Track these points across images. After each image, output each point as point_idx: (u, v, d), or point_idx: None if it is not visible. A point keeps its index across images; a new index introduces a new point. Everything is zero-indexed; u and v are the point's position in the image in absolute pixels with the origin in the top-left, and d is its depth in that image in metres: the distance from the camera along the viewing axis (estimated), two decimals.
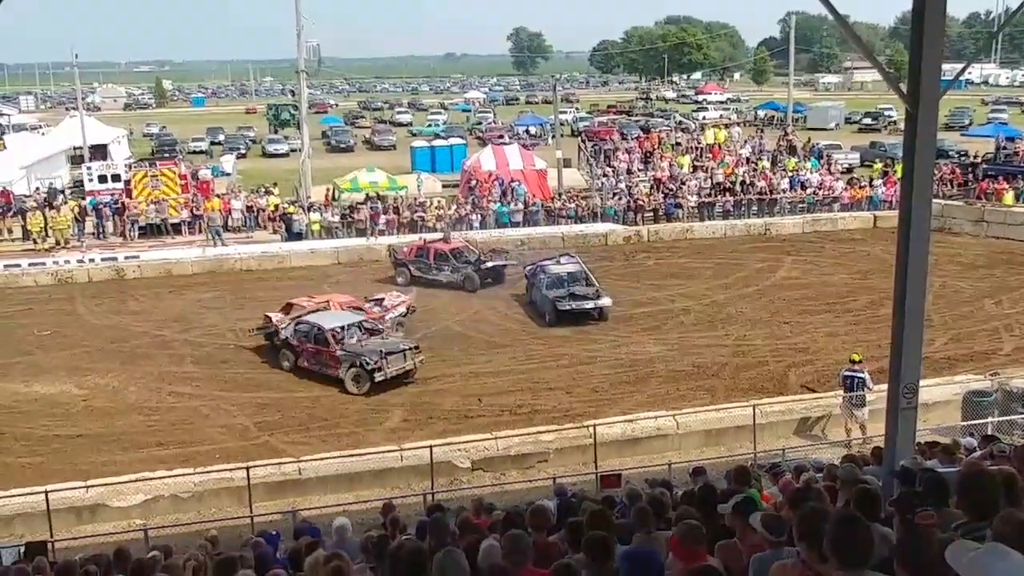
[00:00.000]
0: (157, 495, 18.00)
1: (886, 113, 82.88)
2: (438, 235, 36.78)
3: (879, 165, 51.09)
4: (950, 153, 54.28)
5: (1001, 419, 19.21)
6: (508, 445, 19.67)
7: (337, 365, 24.20)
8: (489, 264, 33.93)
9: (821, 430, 20.98)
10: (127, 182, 43.31)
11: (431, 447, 18.56)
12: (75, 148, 61.45)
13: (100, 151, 60.06)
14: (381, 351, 23.87)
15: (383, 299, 28.72)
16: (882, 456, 11.36)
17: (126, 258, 37.80)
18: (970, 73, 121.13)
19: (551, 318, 28.92)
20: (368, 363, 23.52)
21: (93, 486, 18.00)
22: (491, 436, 20.02)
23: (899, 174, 13.41)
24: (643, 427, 20.33)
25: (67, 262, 37.28)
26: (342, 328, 25.07)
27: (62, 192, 48.03)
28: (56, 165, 58.48)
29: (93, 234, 41.59)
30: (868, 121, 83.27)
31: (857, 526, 4.51)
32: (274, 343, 26.15)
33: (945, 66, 10.40)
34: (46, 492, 16.82)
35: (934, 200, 12.87)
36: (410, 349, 24.59)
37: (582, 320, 28.96)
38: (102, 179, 44.97)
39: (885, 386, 11.98)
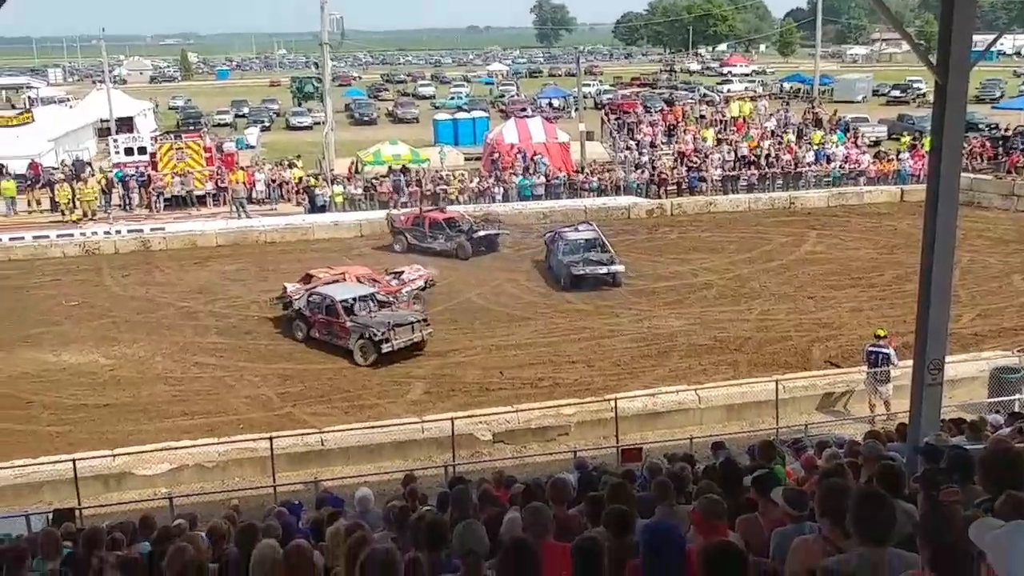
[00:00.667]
0: (182, 464, 18.17)
1: (915, 85, 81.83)
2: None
3: (907, 138, 50.59)
4: (980, 126, 53.52)
5: None
6: (529, 418, 19.69)
7: (346, 336, 24.36)
8: (481, 233, 35.05)
9: (844, 406, 20.87)
10: (153, 154, 43.48)
11: (452, 419, 18.63)
12: (102, 121, 61.74)
13: (126, 124, 60.34)
14: (389, 323, 24.03)
15: (403, 272, 28.78)
16: (906, 433, 11.31)
17: (152, 230, 38.04)
18: (1001, 44, 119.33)
19: (566, 282, 29.91)
20: (375, 334, 23.66)
21: (120, 455, 18.21)
22: (512, 409, 20.03)
23: (927, 147, 13.26)
24: (664, 401, 20.28)
25: (94, 233, 37.62)
26: (353, 300, 25.22)
27: (89, 164, 48.30)
28: (83, 137, 58.88)
29: (119, 206, 41.84)
30: (896, 93, 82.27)
31: (880, 502, 4.49)
32: (289, 314, 26.31)
33: (976, 37, 10.27)
34: (74, 460, 17.02)
35: (963, 174, 12.74)
36: (418, 321, 24.72)
37: (596, 285, 29.82)
38: (128, 151, 45.14)
39: (910, 362, 11.90)
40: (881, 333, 20.73)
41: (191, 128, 58.63)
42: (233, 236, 37.93)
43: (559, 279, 30.42)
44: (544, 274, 31.81)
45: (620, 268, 30.34)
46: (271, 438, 17.88)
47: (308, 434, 19.02)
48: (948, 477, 6.28)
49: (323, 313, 25.07)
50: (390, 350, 23.69)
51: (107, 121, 59.68)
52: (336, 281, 26.89)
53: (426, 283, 28.64)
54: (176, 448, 18.40)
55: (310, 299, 25.53)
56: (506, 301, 29.28)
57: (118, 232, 37.67)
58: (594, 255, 30.56)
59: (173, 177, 42.15)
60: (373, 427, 19.30)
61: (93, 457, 17.89)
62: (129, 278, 32.97)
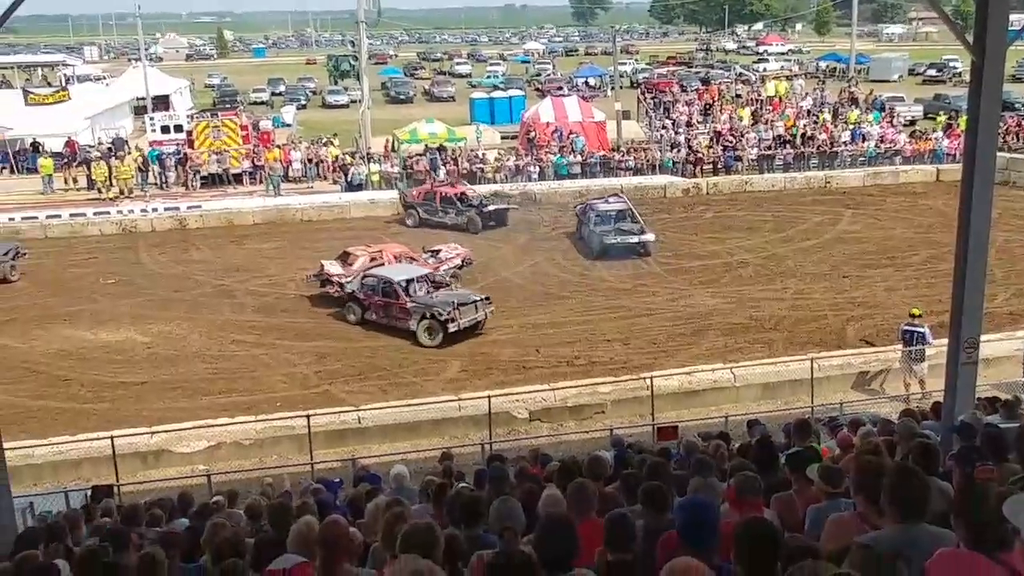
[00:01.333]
0: (219, 442, 18.39)
1: (951, 64, 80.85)
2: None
3: (943, 117, 50.01)
4: (1016, 105, 52.81)
5: None
6: (565, 396, 19.79)
7: (407, 317, 24.28)
8: (491, 207, 35.92)
9: (880, 384, 20.78)
10: (189, 133, 43.78)
11: (489, 397, 18.69)
12: (138, 99, 62.23)
13: (162, 102, 60.78)
14: (453, 302, 24.03)
15: (439, 251, 28.92)
16: (941, 411, 11.31)
17: (188, 208, 38.31)
18: None
19: (598, 251, 30.91)
20: (441, 314, 23.65)
21: (157, 432, 18.44)
22: (548, 387, 20.14)
23: (963, 127, 13.18)
24: (700, 379, 20.30)
25: (131, 212, 37.91)
26: (410, 281, 25.19)
27: (126, 142, 48.75)
28: (120, 116, 59.33)
29: (156, 184, 42.21)
30: (932, 72, 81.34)
31: (915, 479, 4.53)
32: (335, 294, 26.43)
33: (1013, 16, 10.23)
34: (112, 437, 17.25)
35: (999, 153, 12.66)
36: (481, 300, 24.78)
37: (627, 255, 30.79)
38: (164, 130, 45.55)
39: (945, 341, 11.87)
40: (916, 312, 20.64)
41: (227, 106, 58.90)
42: (270, 214, 38.20)
43: (591, 249, 31.34)
44: (580, 251, 32.06)
45: (650, 237, 31.17)
46: (308, 416, 18.07)
47: (345, 412, 19.21)
48: (983, 455, 6.31)
49: (380, 295, 24.99)
50: (456, 329, 23.74)
51: (143, 99, 60.15)
52: (375, 258, 27.05)
53: (463, 262, 28.75)
54: (214, 425, 18.64)
55: (364, 281, 25.47)
56: (542, 279, 29.34)
57: (154, 210, 38.02)
58: (625, 225, 31.52)
59: (209, 155, 42.42)
60: (410, 405, 19.41)
61: (131, 434, 18.08)
62: (166, 256, 33.30)
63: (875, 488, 4.83)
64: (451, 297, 24.57)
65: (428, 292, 25.04)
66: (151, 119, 47.69)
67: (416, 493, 10.03)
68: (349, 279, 26.14)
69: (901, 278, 28.22)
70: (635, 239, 30.96)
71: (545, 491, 6.83)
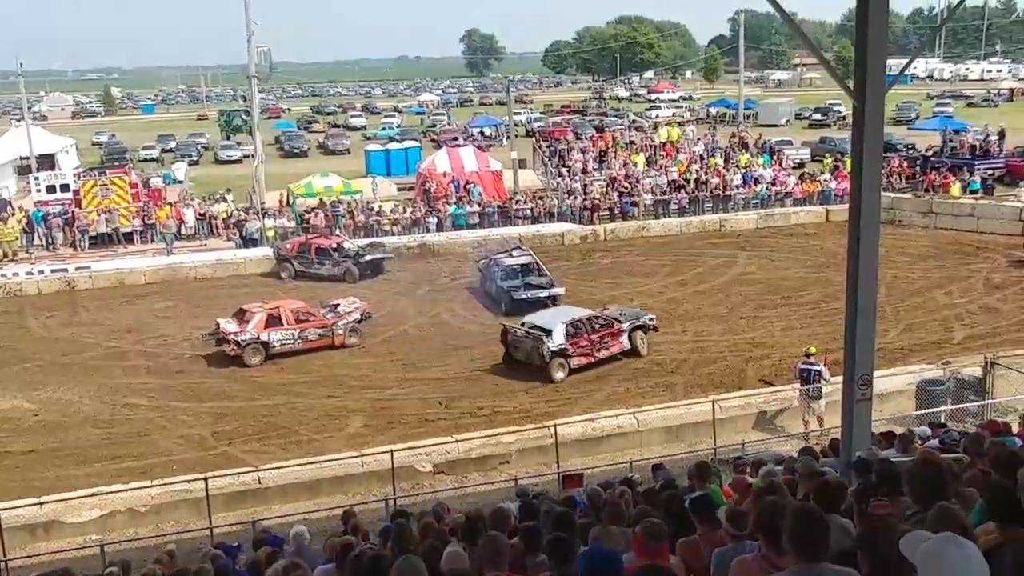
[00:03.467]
0: (113, 510, 17.73)
1: (835, 108, 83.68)
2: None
3: (829, 160, 51.63)
4: (898, 147, 54.85)
5: (954, 407, 19.48)
6: (469, 447, 19.64)
7: (619, 337, 25.49)
8: (368, 257, 36.06)
9: (780, 423, 21.15)
10: (76, 192, 42.61)
11: (392, 452, 18.41)
12: (22, 158, 60.51)
13: (48, 161, 59.16)
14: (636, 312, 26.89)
15: (338, 304, 28.64)
16: (839, 447, 11.48)
17: (77, 269, 37.14)
18: (915, 68, 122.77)
19: (506, 307, 29.97)
20: (648, 322, 26.35)
21: (47, 502, 17.60)
22: (452, 439, 19.98)
23: (849, 168, 13.59)
24: (604, 426, 20.38)
25: (15, 275, 36.60)
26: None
27: (9, 203, 47.27)
28: (3, 175, 57.53)
29: (41, 245, 40.94)
30: (818, 117, 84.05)
31: (813, 518, 4.53)
32: (231, 352, 25.98)
33: (890, 61, 10.54)
34: None
35: (884, 193, 13.02)
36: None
37: (537, 309, 28.67)
38: (50, 189, 44.29)
39: (841, 378, 12.09)
40: (812, 351, 21.09)
41: (116, 164, 57.67)
42: (162, 273, 37.29)
43: (499, 304, 30.64)
44: (481, 302, 31.90)
45: (560, 291, 30.76)
46: (206, 478, 17.55)
47: (244, 473, 18.72)
48: (878, 490, 6.38)
49: (593, 332, 25.21)
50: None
51: (27, 158, 58.56)
52: (273, 314, 26.75)
53: (362, 315, 28.47)
54: (107, 493, 18.00)
55: (569, 331, 24.49)
56: (443, 331, 29.23)
57: (41, 272, 36.77)
58: (533, 280, 31.01)
59: (98, 214, 41.35)
60: (311, 463, 19.02)
61: (18, 506, 17.33)
62: (53, 319, 32.20)
63: (775, 528, 4.83)
64: (621, 309, 27.22)
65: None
66: (36, 179, 46.36)
67: (318, 554, 9.77)
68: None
69: (796, 317, 28.87)
70: (545, 293, 30.38)
71: (447, 548, 6.69)
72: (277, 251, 37.26)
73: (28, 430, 22.57)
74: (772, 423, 21.18)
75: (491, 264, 32.40)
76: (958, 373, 21.04)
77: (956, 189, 42.82)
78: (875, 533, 4.61)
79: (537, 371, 24.60)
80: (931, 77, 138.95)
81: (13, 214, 42.62)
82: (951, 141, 49.18)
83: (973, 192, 42.64)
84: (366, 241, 38.80)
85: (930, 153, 49.28)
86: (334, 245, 36.45)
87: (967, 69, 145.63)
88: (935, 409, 19.23)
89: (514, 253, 33.00)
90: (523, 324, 25.50)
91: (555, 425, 19.70)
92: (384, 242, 38.93)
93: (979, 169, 45.06)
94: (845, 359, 10.90)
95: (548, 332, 24.28)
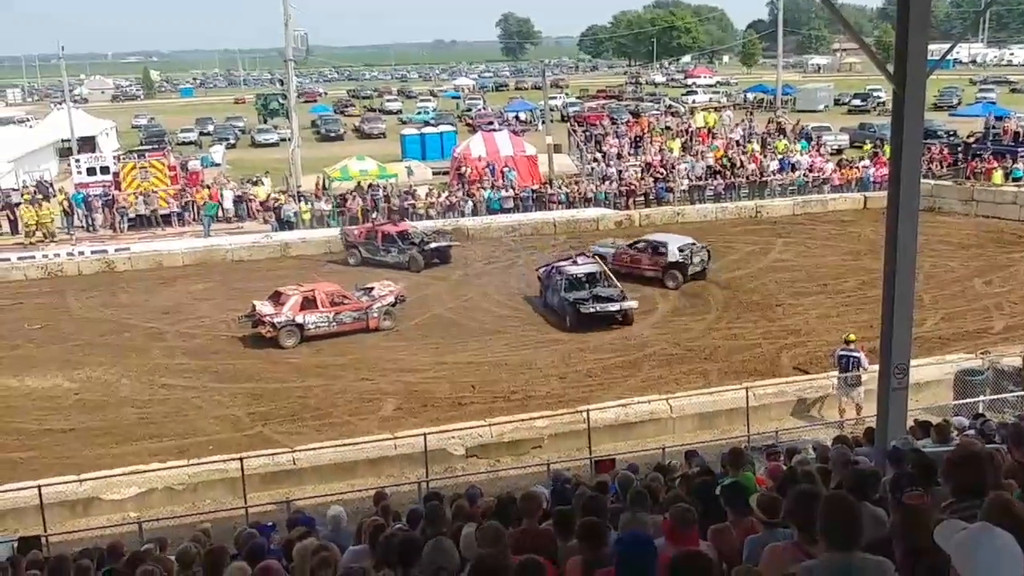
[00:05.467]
0: (151, 487, 17.96)
1: (875, 94, 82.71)
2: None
3: (868, 146, 51.11)
4: (939, 133, 54.13)
5: (993, 397, 19.28)
6: (502, 431, 19.67)
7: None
8: (433, 245, 35.30)
9: (817, 411, 21.01)
10: (116, 174, 43.08)
11: (425, 435, 18.54)
12: (63, 141, 61.23)
13: (88, 143, 59.88)
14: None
15: (372, 288, 28.73)
16: (874, 436, 11.41)
17: (116, 250, 37.59)
18: (958, 52, 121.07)
19: (572, 321, 27.29)
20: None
21: (86, 480, 17.92)
22: (485, 423, 20.01)
23: (888, 155, 13.45)
24: (637, 411, 20.34)
25: (56, 256, 37.08)
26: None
27: (51, 185, 47.86)
28: (44, 158, 58.31)
29: (82, 227, 41.45)
30: (857, 102, 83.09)
31: (847, 507, 4.52)
32: (268, 335, 26.30)
33: (932, 46, 10.41)
34: (39, 487, 16.81)
35: (923, 180, 12.90)
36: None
37: (608, 324, 27.35)
38: (91, 171, 44.75)
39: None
40: (851, 338, 20.90)
41: (155, 147, 58.20)
42: (200, 255, 37.64)
43: (563, 318, 27.71)
44: (541, 314, 29.07)
45: (633, 304, 27.72)
46: (241, 459, 17.74)
47: (279, 454, 18.90)
48: (913, 481, 6.33)
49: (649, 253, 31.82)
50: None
51: (68, 141, 59.22)
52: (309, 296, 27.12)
53: (396, 299, 28.56)
54: (145, 471, 18.23)
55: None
56: (477, 315, 29.25)
57: (81, 253, 37.25)
58: (603, 291, 28.01)
59: (137, 197, 41.80)
60: (345, 444, 19.19)
61: (59, 483, 17.62)
62: (93, 300, 32.60)
63: (809, 517, 4.82)
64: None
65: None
66: (77, 161, 46.83)
67: (351, 535, 9.85)
68: (281, 319, 26.15)
69: (832, 305, 28.62)
70: (616, 306, 27.41)
71: (464, 529, 6.74)
72: (345, 237, 36.96)
73: (68, 408, 22.87)
74: (811, 411, 21.03)
75: (552, 272, 29.39)
76: (997, 363, 20.78)
77: (998, 176, 42.18)
78: (909, 522, 4.59)
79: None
80: (974, 62, 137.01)
81: (55, 196, 43.17)
82: (994, 127, 48.43)
83: (1016, 179, 41.96)
84: (430, 227, 38.46)
85: (971, 140, 48.56)
86: (400, 232, 35.95)
87: (1011, 54, 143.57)
88: (973, 399, 19.04)
89: (578, 260, 29.97)
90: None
91: (588, 410, 19.68)
92: (448, 228, 38.63)
93: (1022, 156, 44.34)
94: (881, 347, 10.83)
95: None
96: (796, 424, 20.16)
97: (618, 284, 28.73)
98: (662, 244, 31.97)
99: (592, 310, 27.06)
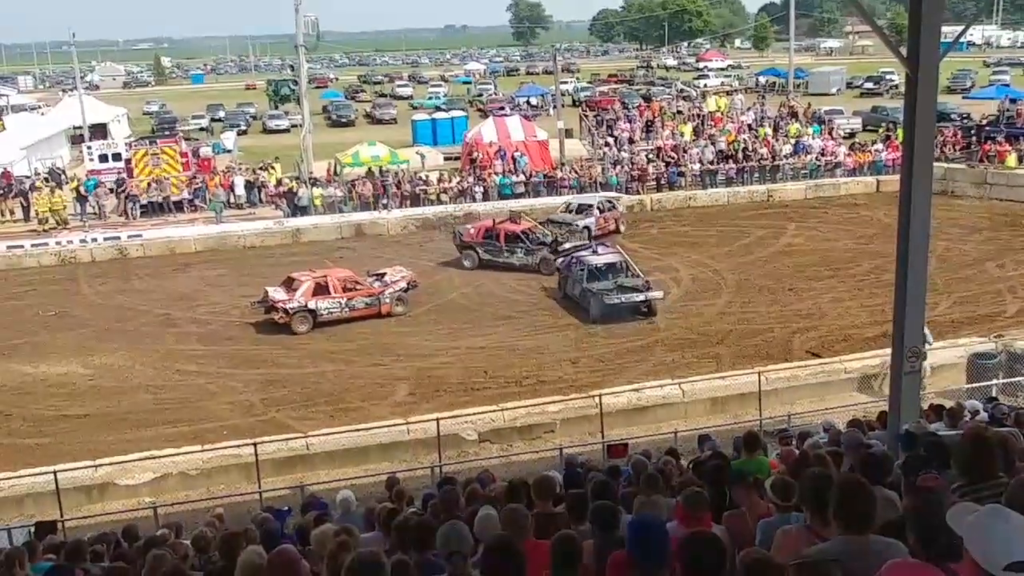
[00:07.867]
0: (166, 473, 18.11)
1: (888, 77, 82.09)
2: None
3: (881, 129, 50.83)
4: (952, 116, 53.67)
5: (1006, 381, 19.24)
6: (514, 416, 19.75)
7: None
8: (567, 245, 31.92)
9: (877, 386, 20.55)
10: (128, 161, 43.16)
11: (438, 420, 18.64)
12: (75, 127, 61.35)
13: (100, 130, 59.99)
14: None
15: (384, 274, 28.75)
16: (887, 420, 11.40)
17: (129, 237, 37.65)
18: (971, 35, 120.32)
19: (596, 312, 26.46)
20: None
21: (102, 465, 18.06)
22: (497, 408, 20.06)
23: (901, 138, 13.41)
24: (649, 396, 20.39)
25: (70, 242, 37.19)
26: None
27: (62, 172, 47.97)
28: (56, 145, 58.44)
29: (95, 214, 41.55)
30: (870, 85, 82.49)
31: (859, 490, 4.53)
32: (280, 320, 26.36)
33: (945, 28, 10.36)
34: (55, 472, 16.93)
35: (936, 163, 12.85)
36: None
37: (632, 316, 26.67)
38: (103, 158, 44.87)
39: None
40: None
41: (166, 133, 58.24)
42: (212, 241, 37.72)
43: (588, 311, 26.75)
44: (562, 306, 28.38)
45: (658, 295, 26.90)
46: (255, 444, 17.87)
47: (293, 439, 19.01)
48: (927, 464, 6.35)
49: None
50: None
51: (80, 128, 59.35)
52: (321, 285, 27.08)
53: (408, 284, 28.58)
54: (159, 457, 18.37)
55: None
56: (489, 300, 29.29)
57: (94, 240, 37.35)
58: (626, 281, 27.20)
59: (149, 183, 41.89)
60: (358, 430, 19.27)
61: (74, 468, 17.77)
62: (107, 286, 32.73)
63: (821, 500, 4.83)
64: None
65: None
66: (88, 148, 46.95)
67: (362, 518, 9.90)
68: (293, 304, 26.23)
69: (845, 289, 28.59)
70: (642, 296, 26.58)
71: (480, 512, 6.77)
72: (459, 237, 33.60)
73: (83, 394, 23.00)
74: (870, 386, 20.73)
75: (572, 263, 28.60)
76: (1010, 347, 20.75)
77: (1012, 159, 41.95)
78: (922, 505, 4.59)
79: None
80: (988, 44, 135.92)
81: (68, 182, 43.27)
82: (1007, 110, 48.13)
83: None
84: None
85: (985, 123, 48.23)
86: (525, 231, 32.83)
87: None
88: (986, 383, 18.99)
89: (599, 250, 28.90)
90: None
91: (600, 395, 19.74)
92: (578, 225, 35.42)
93: None
94: (894, 331, 10.81)
95: None
96: (808, 408, 20.11)
97: (641, 274, 28.02)
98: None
99: (617, 301, 26.28)
